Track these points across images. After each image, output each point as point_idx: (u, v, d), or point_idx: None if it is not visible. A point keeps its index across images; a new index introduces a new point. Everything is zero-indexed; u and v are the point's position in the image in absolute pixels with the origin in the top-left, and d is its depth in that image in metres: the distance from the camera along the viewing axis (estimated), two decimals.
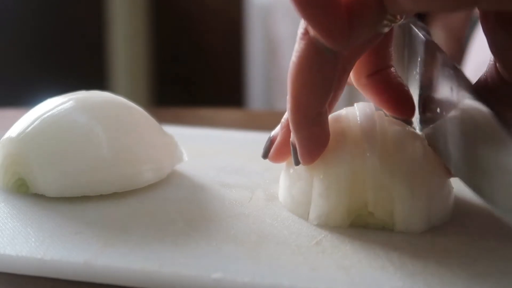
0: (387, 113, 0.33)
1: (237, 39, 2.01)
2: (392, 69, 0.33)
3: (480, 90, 0.30)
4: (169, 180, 0.37)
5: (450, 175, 0.32)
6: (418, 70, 0.33)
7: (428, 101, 0.31)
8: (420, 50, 0.32)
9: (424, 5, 0.25)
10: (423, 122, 0.33)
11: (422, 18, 0.39)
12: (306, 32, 0.27)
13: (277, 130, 0.33)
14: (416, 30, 0.33)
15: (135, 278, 0.25)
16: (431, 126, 0.31)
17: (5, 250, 0.27)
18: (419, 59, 0.32)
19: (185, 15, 2.12)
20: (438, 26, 0.37)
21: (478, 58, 0.60)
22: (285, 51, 1.69)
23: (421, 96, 0.33)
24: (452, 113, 0.27)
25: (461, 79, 0.27)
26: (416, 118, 0.34)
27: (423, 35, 0.32)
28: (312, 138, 0.30)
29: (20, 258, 0.26)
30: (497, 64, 0.29)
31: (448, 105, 0.28)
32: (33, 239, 0.28)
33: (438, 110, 0.29)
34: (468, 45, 0.69)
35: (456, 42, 0.37)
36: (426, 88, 0.31)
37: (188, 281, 0.25)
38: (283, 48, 1.70)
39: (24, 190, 0.34)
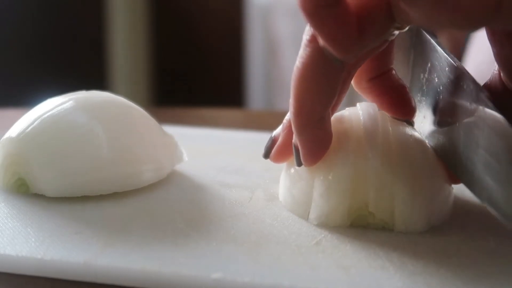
0: (388, 114, 0.33)
1: (237, 39, 2.01)
2: (393, 72, 0.33)
3: None
4: (169, 180, 0.37)
5: (452, 181, 0.32)
6: (426, 75, 0.32)
7: (441, 112, 0.31)
8: (433, 56, 0.32)
9: (435, 21, 0.25)
10: (432, 131, 0.33)
11: None
12: (312, 39, 0.27)
13: (278, 130, 0.33)
14: (427, 35, 0.33)
15: (135, 278, 0.25)
16: (443, 138, 0.31)
17: (5, 250, 0.27)
18: (428, 65, 0.32)
19: (185, 15, 2.12)
20: (443, 35, 0.38)
21: (478, 58, 0.60)
22: (285, 51, 1.69)
23: (433, 106, 0.32)
24: (476, 132, 0.27)
25: (483, 97, 0.27)
26: (418, 124, 0.34)
27: (435, 42, 0.32)
28: (314, 141, 0.30)
29: (20, 258, 0.26)
30: (502, 74, 0.29)
31: (467, 122, 0.28)
32: (33, 239, 0.28)
33: (453, 123, 0.29)
34: (467, 45, 0.69)
35: (457, 51, 0.38)
36: (440, 98, 0.31)
37: (188, 281, 0.25)
38: (283, 48, 1.70)
39: (24, 190, 0.34)
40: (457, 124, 0.29)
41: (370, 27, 0.26)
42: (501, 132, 0.25)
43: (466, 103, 0.28)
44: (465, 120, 0.28)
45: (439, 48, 0.31)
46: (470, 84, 0.28)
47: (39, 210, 0.31)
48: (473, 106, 0.27)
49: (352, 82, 0.33)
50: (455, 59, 0.30)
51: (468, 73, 0.29)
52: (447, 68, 0.30)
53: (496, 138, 0.25)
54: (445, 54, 0.30)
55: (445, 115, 0.31)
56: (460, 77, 0.29)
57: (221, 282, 0.25)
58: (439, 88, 0.31)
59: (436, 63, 0.31)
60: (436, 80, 0.31)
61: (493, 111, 0.26)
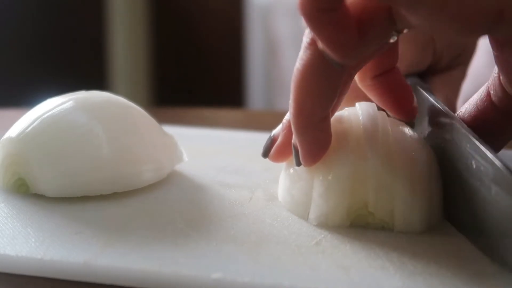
0: (390, 114, 0.33)
1: (237, 39, 2.01)
2: (397, 70, 0.33)
3: (482, 102, 0.30)
4: (169, 180, 0.37)
5: None
6: (426, 133, 0.34)
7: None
8: (431, 116, 0.33)
9: (436, 27, 0.25)
10: None
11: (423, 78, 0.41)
12: (312, 42, 0.27)
13: (278, 129, 0.33)
14: (424, 92, 0.33)
15: (135, 278, 0.25)
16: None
17: (5, 250, 0.27)
18: (427, 123, 0.33)
19: (185, 15, 2.12)
20: (440, 96, 0.40)
21: (476, 62, 0.60)
22: (285, 51, 1.69)
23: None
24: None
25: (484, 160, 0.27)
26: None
27: (433, 99, 0.33)
28: (314, 142, 0.30)
29: (20, 258, 0.26)
30: (501, 77, 0.29)
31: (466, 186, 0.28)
32: (33, 239, 0.28)
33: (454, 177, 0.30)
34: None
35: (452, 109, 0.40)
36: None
37: (188, 281, 0.25)
38: (283, 48, 1.70)
39: (24, 190, 0.34)
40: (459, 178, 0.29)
41: (371, 31, 0.26)
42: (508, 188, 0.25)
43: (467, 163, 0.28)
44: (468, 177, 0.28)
45: (438, 106, 0.32)
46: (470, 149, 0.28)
47: (39, 210, 0.31)
48: (476, 164, 0.28)
49: (356, 78, 0.33)
50: (455, 117, 0.31)
51: (467, 132, 0.29)
52: (446, 127, 0.31)
53: (504, 194, 0.26)
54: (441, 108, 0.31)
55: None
56: (459, 135, 0.29)
57: (221, 282, 0.25)
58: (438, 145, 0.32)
59: (438, 125, 0.32)
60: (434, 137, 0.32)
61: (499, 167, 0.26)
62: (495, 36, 0.27)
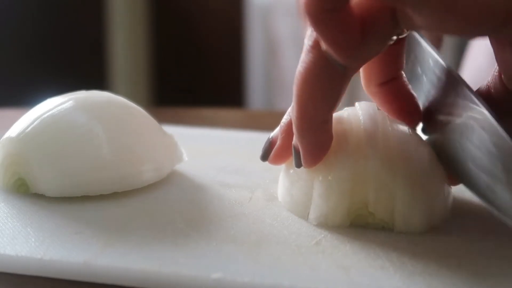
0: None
1: (237, 39, 2.01)
2: (402, 78, 0.32)
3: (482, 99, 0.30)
4: (169, 180, 0.37)
5: (451, 182, 0.32)
6: (409, 66, 0.33)
7: (435, 113, 0.31)
8: (416, 49, 0.32)
9: (442, 28, 0.25)
10: (428, 130, 0.33)
11: None
12: (315, 45, 0.27)
13: (276, 131, 0.33)
14: (423, 40, 0.33)
15: (135, 278, 0.25)
16: (437, 136, 0.31)
17: (5, 250, 0.27)
18: (411, 56, 0.33)
19: (185, 15, 2.12)
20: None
21: (476, 62, 0.60)
22: (285, 51, 1.69)
23: (427, 107, 0.33)
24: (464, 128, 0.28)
25: (475, 100, 0.27)
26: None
27: (419, 35, 0.32)
28: (316, 143, 0.30)
29: (20, 258, 0.26)
30: (503, 76, 0.29)
31: (456, 120, 0.28)
32: (33, 239, 0.28)
33: (446, 122, 0.30)
34: (466, 49, 0.69)
35: (437, 43, 0.39)
36: (435, 100, 0.32)
37: (188, 281, 0.25)
38: (283, 48, 1.70)
39: (24, 190, 0.34)
40: (446, 122, 0.29)
41: (374, 31, 0.26)
42: (488, 128, 0.26)
43: (452, 100, 0.28)
44: (454, 118, 0.28)
45: (423, 42, 0.32)
46: (457, 81, 0.28)
47: (39, 210, 0.31)
48: (459, 102, 0.28)
49: (362, 83, 0.33)
50: (440, 55, 0.31)
51: (453, 70, 0.29)
52: (431, 63, 0.30)
53: (484, 134, 0.26)
54: (430, 49, 0.31)
55: (432, 111, 0.31)
56: (447, 75, 0.29)
57: (221, 282, 0.25)
58: (424, 81, 0.31)
59: (420, 56, 0.32)
60: (420, 72, 0.32)
61: (479, 108, 0.26)
62: (499, 37, 0.27)
